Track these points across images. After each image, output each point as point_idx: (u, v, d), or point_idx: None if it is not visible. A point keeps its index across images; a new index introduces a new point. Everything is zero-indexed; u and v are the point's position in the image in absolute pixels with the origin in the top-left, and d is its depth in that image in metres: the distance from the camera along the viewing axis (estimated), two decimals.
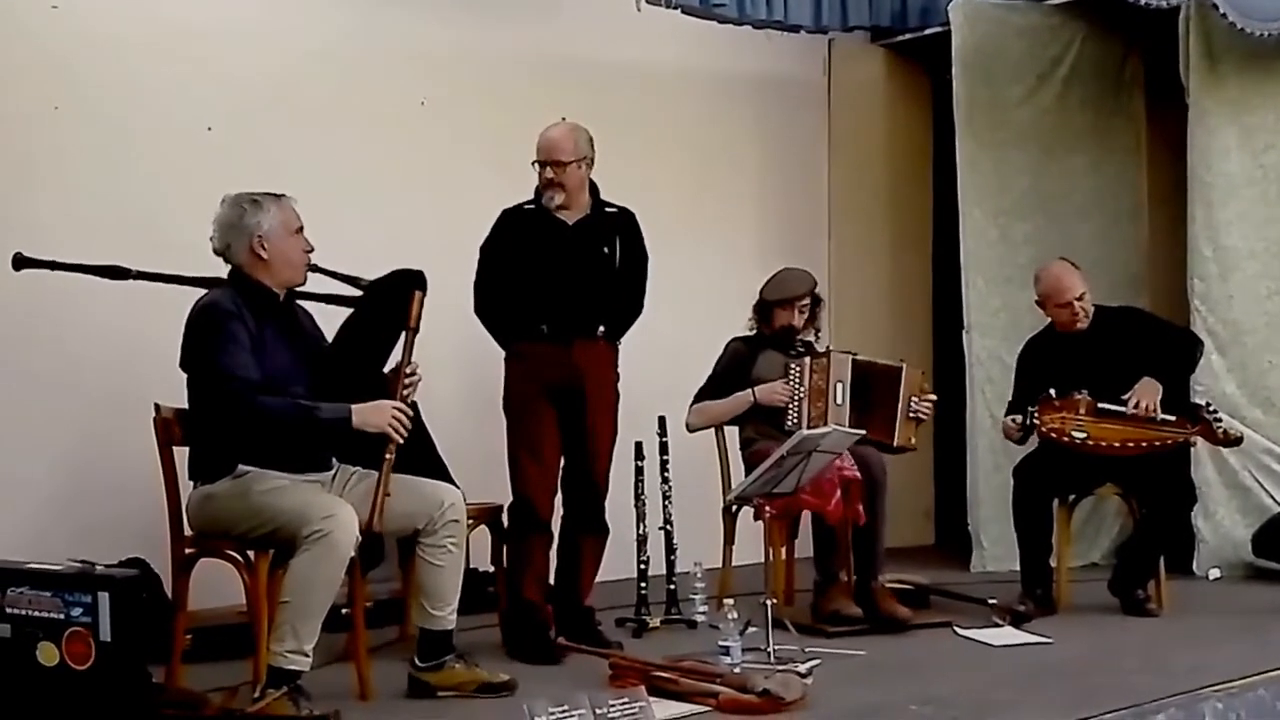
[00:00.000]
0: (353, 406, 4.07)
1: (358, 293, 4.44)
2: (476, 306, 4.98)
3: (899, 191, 7.61)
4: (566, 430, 4.92)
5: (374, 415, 4.08)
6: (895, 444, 5.43)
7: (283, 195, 4.23)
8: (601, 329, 4.96)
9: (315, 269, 4.31)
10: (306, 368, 4.20)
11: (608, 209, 5.01)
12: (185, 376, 4.16)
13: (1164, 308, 6.58)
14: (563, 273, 4.88)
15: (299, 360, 4.19)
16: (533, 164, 4.91)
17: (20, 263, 4.65)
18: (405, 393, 4.22)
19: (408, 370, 4.23)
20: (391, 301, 4.28)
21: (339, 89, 5.84)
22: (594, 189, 5.00)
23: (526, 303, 4.88)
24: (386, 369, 4.33)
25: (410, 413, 4.16)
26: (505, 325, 4.95)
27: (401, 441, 4.10)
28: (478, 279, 4.98)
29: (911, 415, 5.43)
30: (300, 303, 4.40)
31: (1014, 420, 5.52)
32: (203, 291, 4.30)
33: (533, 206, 4.95)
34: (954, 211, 6.85)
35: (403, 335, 4.25)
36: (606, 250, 4.96)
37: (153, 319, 5.07)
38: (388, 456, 4.09)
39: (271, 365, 4.09)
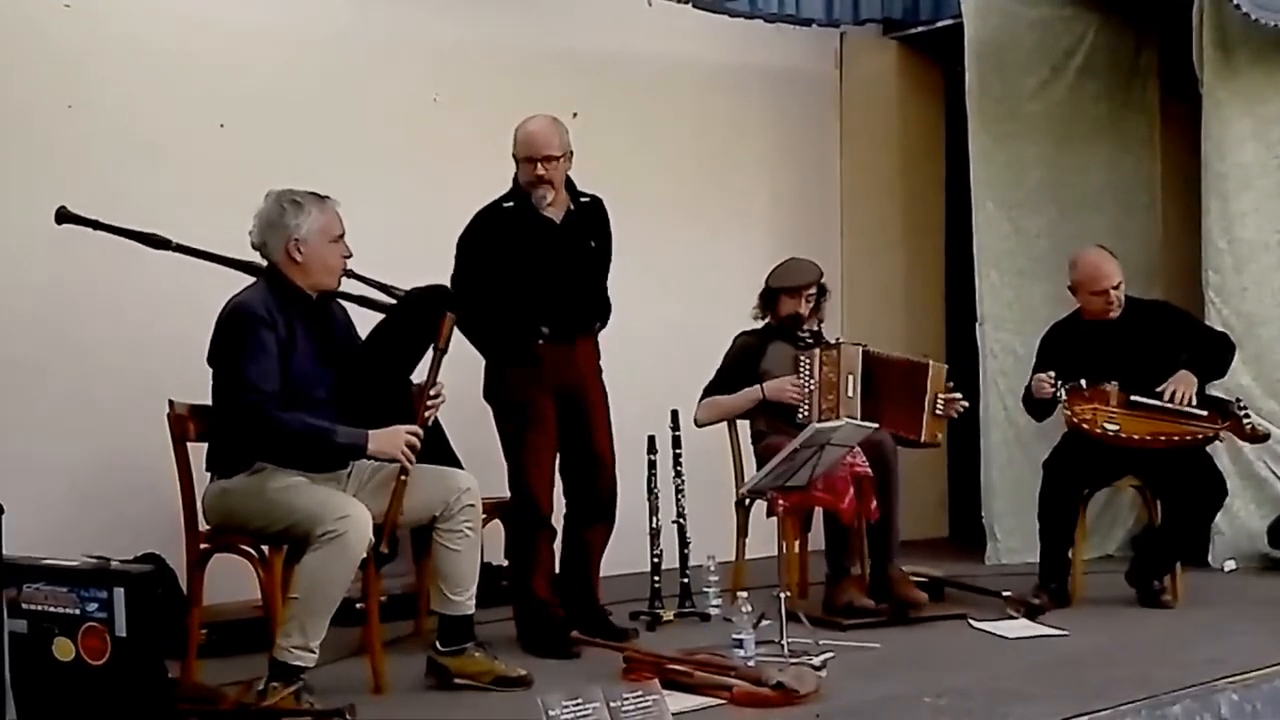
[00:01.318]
0: (369, 433, 4.07)
1: (392, 300, 4.45)
2: (466, 314, 4.70)
3: (911, 184, 7.59)
4: (568, 429, 4.91)
5: (388, 444, 4.08)
6: (922, 440, 5.42)
7: (327, 198, 4.22)
8: (597, 324, 4.97)
9: (351, 275, 4.31)
10: (334, 369, 4.21)
11: (582, 199, 4.96)
12: (210, 370, 4.17)
13: (1178, 300, 6.55)
14: (559, 272, 4.83)
15: (326, 361, 4.20)
16: (519, 160, 4.80)
17: (63, 217, 4.64)
18: (427, 414, 4.22)
19: (431, 392, 4.23)
20: (423, 315, 4.26)
21: (351, 86, 5.85)
22: (567, 180, 4.93)
23: (525, 306, 4.80)
24: (415, 379, 4.32)
25: (423, 435, 4.15)
26: (501, 330, 4.83)
27: (412, 468, 4.10)
28: (461, 283, 4.79)
29: (939, 412, 5.41)
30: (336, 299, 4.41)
31: (1049, 375, 5.46)
32: (232, 276, 4.33)
33: (511, 204, 4.85)
34: (967, 204, 6.83)
35: (430, 354, 4.24)
36: (593, 244, 4.94)
37: (170, 315, 5.12)
38: (402, 478, 4.11)
39: (298, 367, 4.10)
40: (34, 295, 5.09)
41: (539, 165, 4.77)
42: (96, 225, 4.65)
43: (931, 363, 5.49)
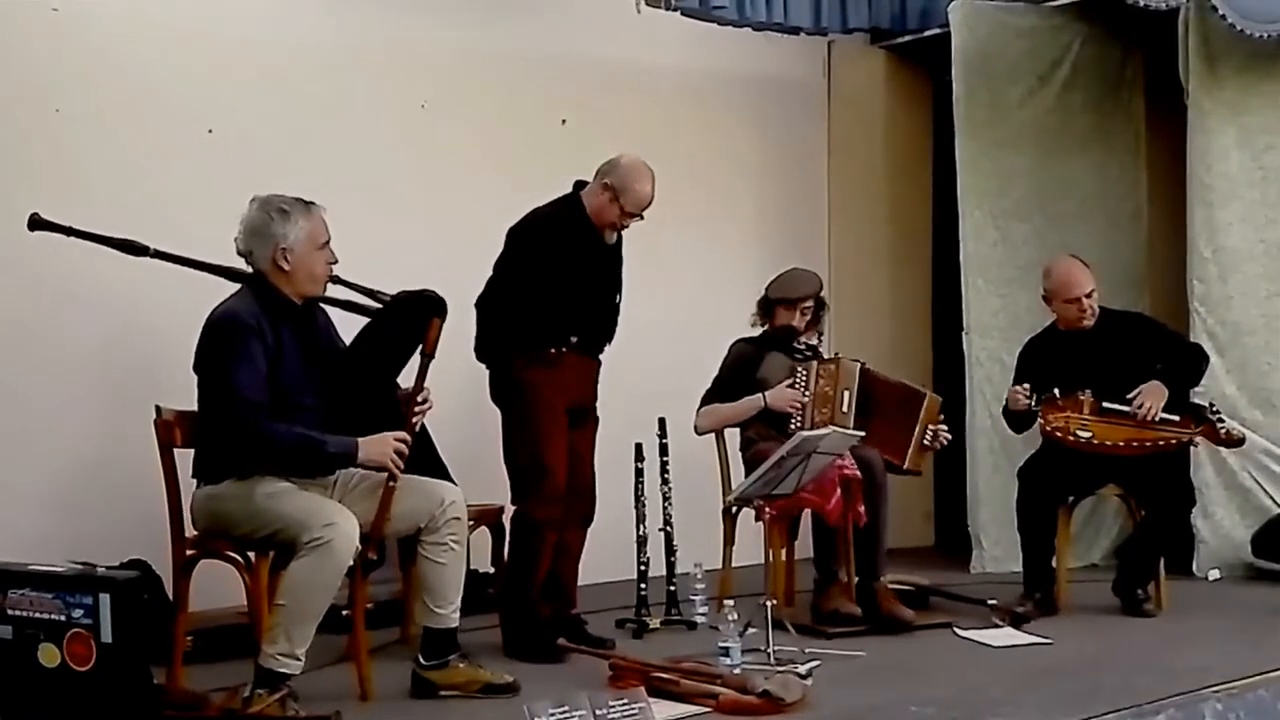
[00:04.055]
0: (358, 441, 4.06)
1: (377, 305, 4.45)
2: (497, 306, 4.90)
3: (899, 193, 7.61)
4: (570, 440, 4.94)
5: (377, 452, 4.07)
6: (905, 467, 5.42)
7: (312, 204, 4.21)
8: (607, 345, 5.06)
9: (337, 280, 4.30)
10: (320, 375, 4.20)
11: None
12: (196, 377, 4.16)
13: (1164, 309, 6.58)
14: (603, 289, 4.97)
15: (313, 368, 4.19)
16: (615, 198, 4.87)
17: (36, 224, 4.60)
18: (414, 419, 4.22)
19: (419, 398, 4.22)
20: (409, 320, 4.26)
21: (339, 91, 5.84)
22: None
23: (565, 311, 4.87)
24: (401, 386, 4.32)
25: (411, 441, 4.13)
26: (533, 328, 4.88)
27: (400, 474, 4.10)
28: (507, 273, 4.92)
29: (926, 443, 5.42)
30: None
31: (1024, 387, 5.47)
32: (222, 284, 4.31)
33: (570, 219, 4.92)
34: (954, 213, 6.85)
35: (418, 360, 4.23)
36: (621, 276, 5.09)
37: (157, 320, 5.11)
38: (390, 484, 4.10)
39: (286, 375, 4.09)
40: (19, 299, 5.07)
41: (634, 218, 4.94)
42: (70, 231, 4.60)
43: (928, 394, 5.50)
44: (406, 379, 4.32)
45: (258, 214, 4.16)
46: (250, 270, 4.23)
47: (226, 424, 4.05)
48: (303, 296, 4.21)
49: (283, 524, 3.98)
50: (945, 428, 5.49)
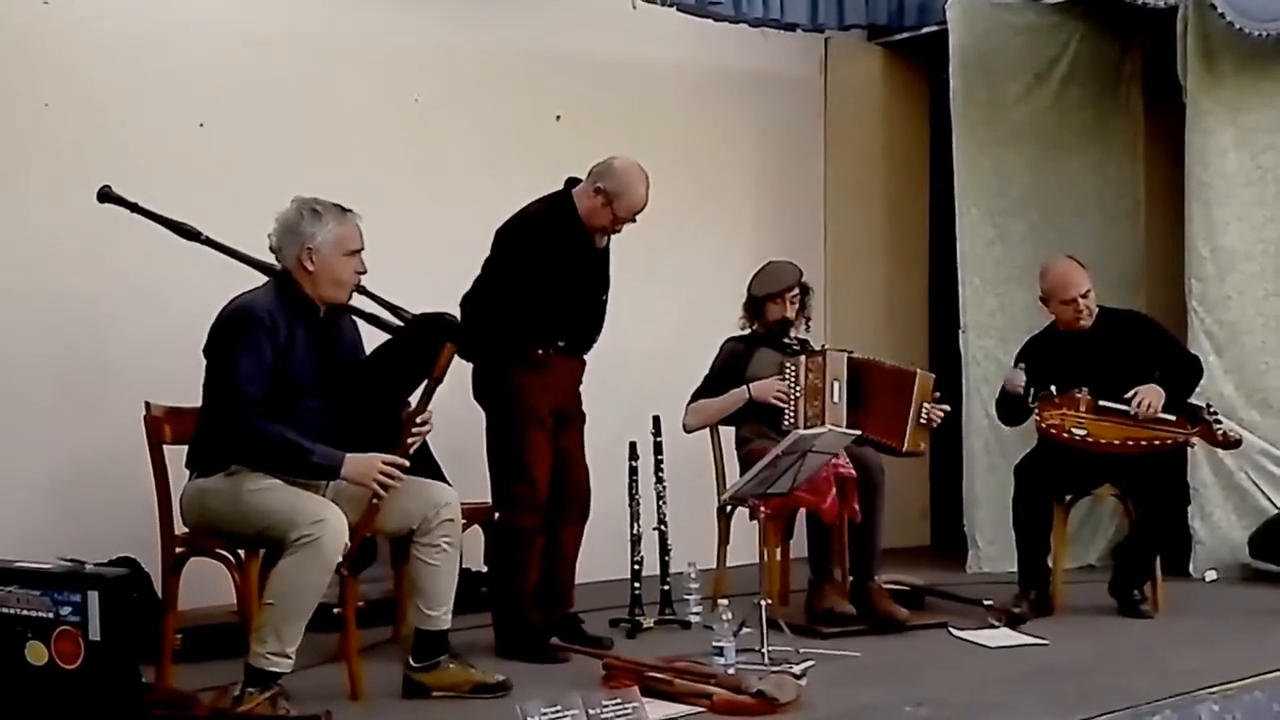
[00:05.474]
0: (346, 457, 4.02)
1: (399, 322, 4.42)
2: (485, 309, 4.86)
3: (896, 191, 7.59)
4: (554, 437, 4.92)
5: (362, 473, 4.02)
6: (904, 450, 5.40)
7: (349, 211, 4.19)
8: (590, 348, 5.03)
9: (362, 291, 4.28)
10: (331, 381, 4.17)
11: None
12: (204, 367, 4.14)
13: (1161, 308, 6.56)
14: (591, 292, 4.94)
15: (324, 373, 4.16)
16: (609, 203, 4.83)
17: (105, 197, 4.58)
18: (411, 440, 4.19)
19: (419, 419, 4.19)
20: (424, 342, 4.23)
21: (331, 85, 5.82)
22: None
23: (552, 314, 4.84)
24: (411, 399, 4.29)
25: (404, 464, 4.10)
26: (519, 331, 4.85)
27: (385, 496, 4.06)
28: (495, 274, 4.89)
29: (923, 422, 5.40)
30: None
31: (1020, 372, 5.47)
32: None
33: (560, 220, 4.88)
34: (951, 211, 6.84)
35: (425, 381, 4.20)
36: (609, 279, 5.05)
37: (148, 318, 5.09)
38: (374, 502, 4.07)
39: (294, 374, 4.08)
40: (10, 294, 5.04)
41: (627, 222, 4.91)
42: (135, 208, 4.59)
43: (919, 371, 5.48)
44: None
45: (292, 212, 4.17)
46: (280, 270, 4.22)
47: (218, 412, 4.04)
48: (325, 301, 4.19)
49: (270, 520, 3.95)
50: (945, 407, 5.46)
